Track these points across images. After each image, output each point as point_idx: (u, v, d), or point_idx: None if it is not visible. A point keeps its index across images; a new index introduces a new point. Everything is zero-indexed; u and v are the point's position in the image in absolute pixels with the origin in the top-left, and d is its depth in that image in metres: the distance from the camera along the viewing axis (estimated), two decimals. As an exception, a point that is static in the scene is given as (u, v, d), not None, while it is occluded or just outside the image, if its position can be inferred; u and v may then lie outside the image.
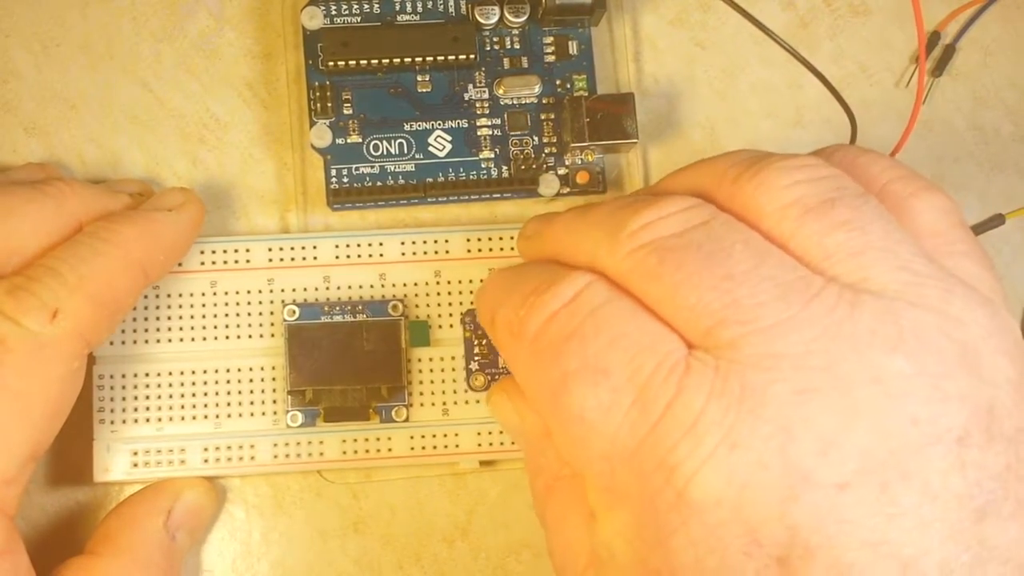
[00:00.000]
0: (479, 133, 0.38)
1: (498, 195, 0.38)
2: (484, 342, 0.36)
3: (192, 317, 0.36)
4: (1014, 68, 0.41)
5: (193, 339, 0.36)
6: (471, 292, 0.37)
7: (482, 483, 0.37)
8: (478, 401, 0.36)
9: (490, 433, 0.36)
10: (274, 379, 0.36)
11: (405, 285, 0.37)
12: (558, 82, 0.38)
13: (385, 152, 0.38)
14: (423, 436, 0.36)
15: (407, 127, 0.38)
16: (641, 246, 0.26)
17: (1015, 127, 0.40)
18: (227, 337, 0.36)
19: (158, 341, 0.36)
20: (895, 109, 0.40)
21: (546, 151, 0.38)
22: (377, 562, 0.37)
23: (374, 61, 0.37)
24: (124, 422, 0.35)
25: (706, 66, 0.40)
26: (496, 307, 0.30)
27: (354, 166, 0.37)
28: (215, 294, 0.36)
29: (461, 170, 0.38)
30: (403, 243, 0.37)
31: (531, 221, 0.33)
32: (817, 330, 0.24)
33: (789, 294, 0.25)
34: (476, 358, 0.36)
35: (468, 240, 0.37)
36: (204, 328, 0.36)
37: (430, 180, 0.37)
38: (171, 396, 0.35)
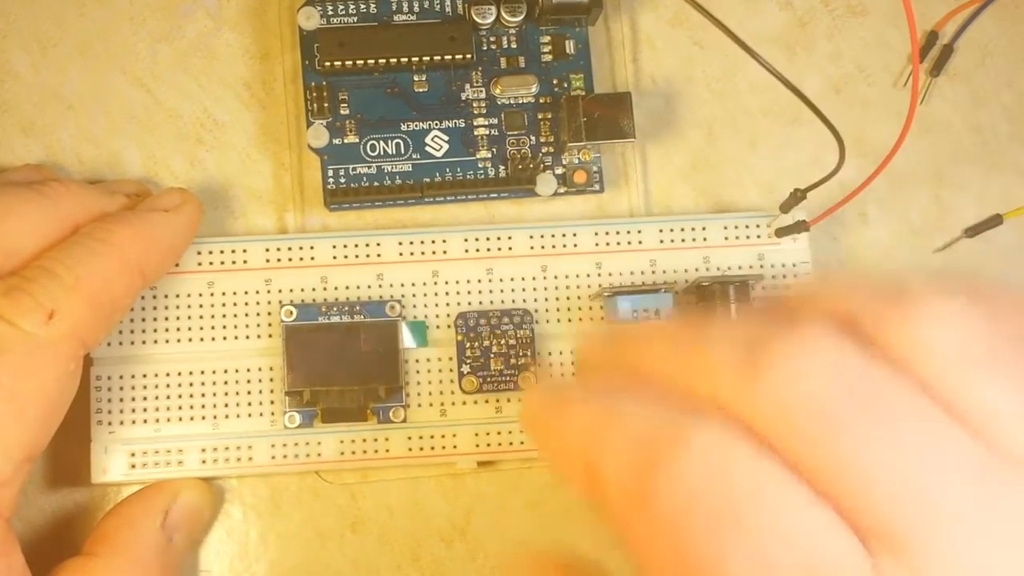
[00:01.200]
0: (476, 133, 0.38)
1: (495, 195, 0.38)
2: (476, 344, 0.36)
3: (189, 318, 0.36)
4: (1012, 68, 0.41)
5: (190, 340, 0.36)
6: (469, 292, 0.37)
7: (480, 483, 0.37)
8: (475, 402, 0.36)
9: (487, 434, 0.36)
10: (272, 380, 0.36)
11: (403, 285, 0.37)
12: (555, 81, 0.38)
13: (382, 152, 0.38)
14: (421, 437, 0.36)
15: (404, 127, 0.38)
16: (784, 398, 0.22)
17: (1013, 127, 0.40)
18: (224, 338, 0.36)
19: (155, 342, 0.36)
20: (893, 109, 0.40)
21: (543, 151, 0.38)
22: (375, 562, 0.37)
23: (371, 61, 0.37)
24: (121, 423, 0.35)
25: (704, 66, 0.40)
26: (594, 453, 0.24)
27: (351, 166, 0.37)
28: (212, 295, 0.36)
29: (458, 170, 0.38)
30: (400, 243, 0.37)
31: (593, 331, 0.30)
32: (1008, 517, 0.21)
33: (976, 475, 0.21)
34: (467, 361, 0.36)
35: (466, 240, 0.37)
36: (201, 329, 0.36)
37: (427, 180, 0.37)
38: (168, 397, 0.35)
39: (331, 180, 0.37)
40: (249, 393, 0.36)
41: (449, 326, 0.37)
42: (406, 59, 0.37)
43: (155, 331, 0.36)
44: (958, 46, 0.40)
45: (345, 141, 0.37)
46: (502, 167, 0.38)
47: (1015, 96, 0.40)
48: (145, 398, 0.35)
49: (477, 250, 0.37)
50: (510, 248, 0.37)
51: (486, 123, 0.38)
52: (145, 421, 0.35)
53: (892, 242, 0.40)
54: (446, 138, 0.38)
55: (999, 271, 0.40)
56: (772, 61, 0.40)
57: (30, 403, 0.30)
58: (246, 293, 0.36)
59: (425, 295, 0.37)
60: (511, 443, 0.36)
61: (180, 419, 0.35)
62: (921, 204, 0.40)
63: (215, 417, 0.36)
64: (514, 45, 0.38)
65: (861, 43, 0.40)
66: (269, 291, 0.36)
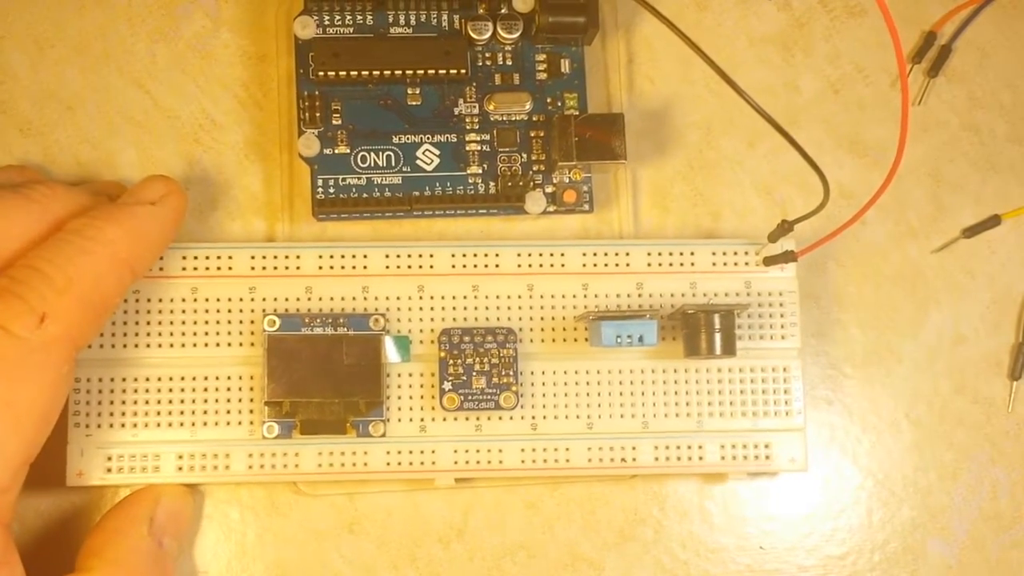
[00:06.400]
0: (468, 148, 0.38)
1: (484, 211, 0.38)
2: (458, 362, 0.36)
3: (172, 323, 0.36)
4: (1010, 69, 0.40)
5: (172, 345, 0.36)
6: (454, 308, 0.37)
7: (477, 484, 0.37)
8: (456, 419, 0.36)
9: (467, 451, 0.36)
10: (251, 389, 0.36)
11: (388, 299, 0.36)
12: (549, 100, 0.38)
13: (372, 164, 0.37)
14: (400, 452, 0.36)
15: (395, 139, 0.38)
16: None
17: (1010, 127, 0.40)
18: (206, 345, 0.36)
19: (136, 346, 0.36)
20: (891, 110, 0.40)
21: (534, 168, 0.38)
22: (372, 563, 0.37)
23: (365, 72, 0.37)
24: (99, 426, 0.35)
25: (702, 66, 0.39)
26: None
27: (341, 177, 0.37)
28: (195, 300, 0.36)
29: (448, 185, 0.37)
30: (387, 256, 0.37)
31: None
32: None
33: None
34: (449, 378, 0.36)
35: (453, 256, 0.37)
36: (183, 335, 0.36)
37: (417, 193, 0.37)
38: (147, 402, 0.36)
39: (320, 190, 0.37)
40: (228, 401, 0.36)
41: (433, 342, 0.36)
42: (400, 72, 0.37)
43: (136, 335, 0.36)
44: (956, 46, 0.40)
45: (336, 151, 0.37)
46: (492, 183, 0.38)
47: (1013, 96, 0.40)
48: (124, 402, 0.35)
49: (464, 266, 0.37)
50: (497, 265, 0.37)
51: (478, 139, 0.38)
52: (123, 425, 0.35)
53: (890, 243, 0.39)
54: (437, 152, 0.38)
55: (995, 272, 0.39)
56: (769, 61, 0.39)
57: (26, 409, 0.30)
58: (230, 300, 0.36)
59: (410, 310, 0.37)
60: (490, 462, 0.36)
61: (158, 424, 0.35)
62: (919, 205, 0.40)
63: (193, 424, 0.36)
64: (509, 62, 0.38)
65: (859, 44, 0.40)
66: (253, 299, 0.36)
